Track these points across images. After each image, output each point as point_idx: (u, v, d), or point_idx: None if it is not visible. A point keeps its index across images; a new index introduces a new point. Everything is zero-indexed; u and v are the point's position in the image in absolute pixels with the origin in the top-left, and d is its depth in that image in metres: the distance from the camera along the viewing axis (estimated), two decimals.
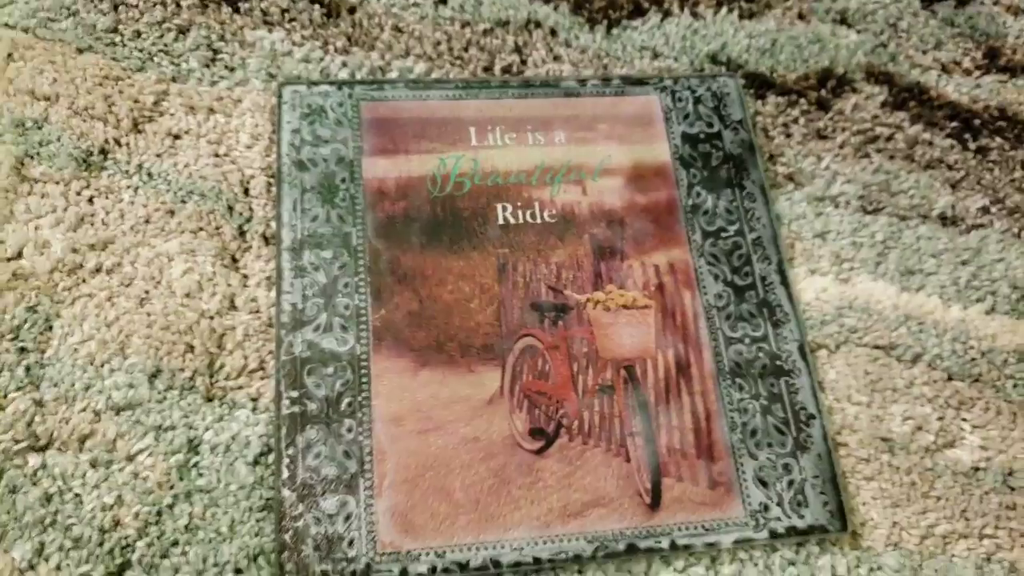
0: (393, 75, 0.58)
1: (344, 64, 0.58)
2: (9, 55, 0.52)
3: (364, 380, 0.48)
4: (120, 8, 0.56)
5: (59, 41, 0.53)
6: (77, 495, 0.44)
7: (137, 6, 0.57)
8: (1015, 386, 0.54)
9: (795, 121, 0.60)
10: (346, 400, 0.48)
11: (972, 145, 0.61)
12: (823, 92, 0.61)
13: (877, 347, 0.54)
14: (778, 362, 0.52)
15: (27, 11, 0.53)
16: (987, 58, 0.64)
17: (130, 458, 0.46)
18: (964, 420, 0.52)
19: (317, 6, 0.60)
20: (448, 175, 0.54)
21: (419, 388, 0.48)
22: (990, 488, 0.51)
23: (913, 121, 0.61)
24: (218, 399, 0.48)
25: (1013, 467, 0.51)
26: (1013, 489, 0.51)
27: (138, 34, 0.56)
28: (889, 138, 0.60)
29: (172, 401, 0.47)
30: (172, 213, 0.51)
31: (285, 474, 0.46)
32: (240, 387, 0.48)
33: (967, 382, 0.54)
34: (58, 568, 0.42)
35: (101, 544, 0.43)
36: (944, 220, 0.58)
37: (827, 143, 0.59)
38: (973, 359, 0.54)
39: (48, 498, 0.44)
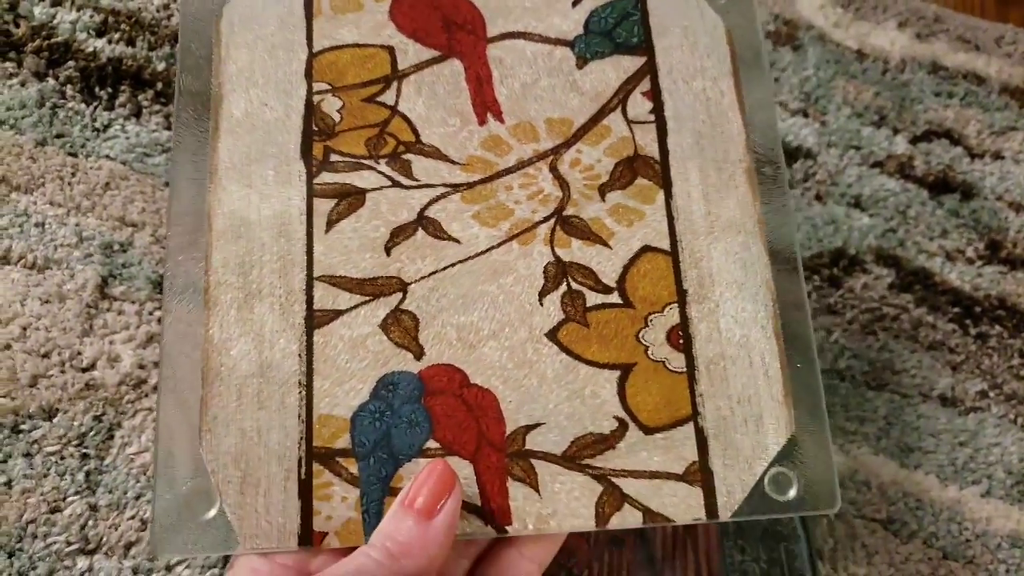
0: None
1: None
2: (107, 184, 0.59)
3: None
4: None
5: (151, 174, 0.60)
6: None
7: None
8: (1007, 571, 0.56)
9: (808, 295, 0.64)
10: None
11: (972, 331, 0.65)
12: (835, 270, 0.66)
13: (875, 520, 0.57)
14: (778, 527, 0.55)
15: (127, 146, 0.60)
16: (988, 249, 0.69)
17: (168, 568, 0.49)
18: None
19: None
20: None
21: None
22: None
23: (918, 304, 0.66)
24: None
25: None
26: None
27: None
28: (895, 318, 0.65)
29: None
30: None
31: None
32: None
33: (962, 563, 0.56)
34: None
35: None
36: (944, 401, 0.62)
37: (837, 318, 0.64)
38: (967, 540, 0.57)
39: None
